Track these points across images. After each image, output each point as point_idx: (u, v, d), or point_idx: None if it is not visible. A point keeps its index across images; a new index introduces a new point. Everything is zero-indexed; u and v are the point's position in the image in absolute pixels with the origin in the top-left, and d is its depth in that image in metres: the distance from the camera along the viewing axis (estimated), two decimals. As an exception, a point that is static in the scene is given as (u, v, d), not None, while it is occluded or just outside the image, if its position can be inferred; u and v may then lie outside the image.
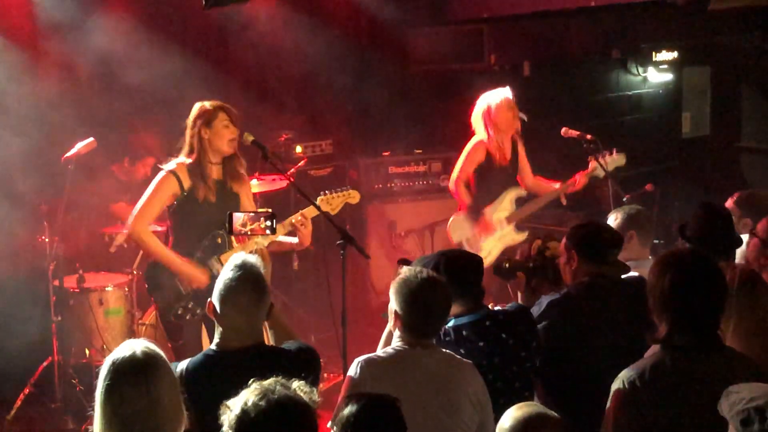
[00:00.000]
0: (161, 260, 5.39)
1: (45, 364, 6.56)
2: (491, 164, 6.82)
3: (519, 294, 4.80)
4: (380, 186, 8.33)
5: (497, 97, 6.78)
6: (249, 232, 4.92)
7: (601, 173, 6.73)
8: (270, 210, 5.00)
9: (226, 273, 3.70)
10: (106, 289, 6.70)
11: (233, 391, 2.82)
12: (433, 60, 8.70)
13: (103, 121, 7.08)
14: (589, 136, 6.75)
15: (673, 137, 9.79)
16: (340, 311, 4.97)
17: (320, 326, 7.34)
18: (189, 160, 5.40)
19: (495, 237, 6.86)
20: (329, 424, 3.48)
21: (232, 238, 5.40)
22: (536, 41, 8.93)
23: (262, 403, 2.71)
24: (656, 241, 5.42)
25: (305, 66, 8.40)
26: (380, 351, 3.86)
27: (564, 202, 7.01)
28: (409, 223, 8.33)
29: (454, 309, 4.08)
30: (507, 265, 4.82)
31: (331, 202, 5.52)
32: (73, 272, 6.60)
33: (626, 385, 3.35)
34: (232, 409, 2.75)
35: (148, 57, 7.20)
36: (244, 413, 2.71)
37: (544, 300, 4.45)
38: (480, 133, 6.85)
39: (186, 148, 5.43)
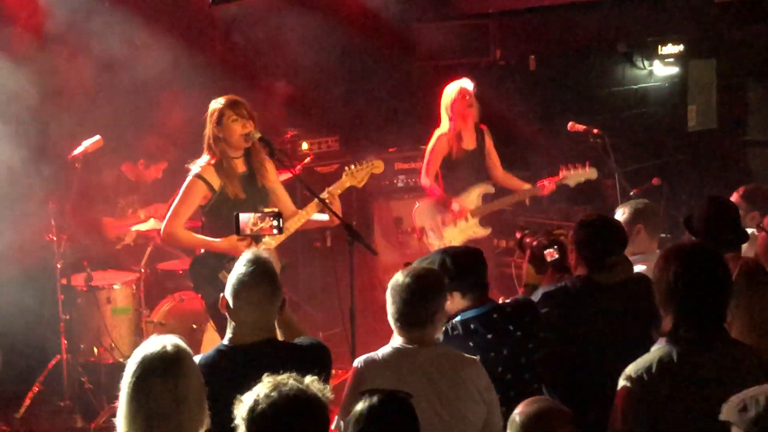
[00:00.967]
0: (200, 246, 5.58)
1: (53, 362, 6.58)
2: (454, 154, 6.98)
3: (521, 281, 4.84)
4: (387, 182, 8.32)
5: (455, 86, 6.97)
6: (257, 232, 4.94)
7: (571, 183, 6.94)
8: (276, 210, 5.03)
9: (239, 268, 3.71)
10: (114, 287, 6.71)
11: (246, 386, 2.82)
12: (438, 55, 8.70)
13: (111, 120, 7.08)
14: (595, 131, 6.76)
15: (679, 131, 9.76)
16: (347, 308, 4.97)
17: (328, 323, 7.35)
18: (213, 160, 5.48)
19: (458, 228, 7.02)
20: (335, 421, 3.49)
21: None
22: (542, 35, 8.91)
23: (274, 395, 2.72)
24: (663, 235, 5.41)
25: (310, 62, 8.39)
26: (379, 350, 3.87)
27: (527, 203, 7.20)
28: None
29: (461, 304, 4.11)
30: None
31: (356, 175, 5.66)
32: (80, 270, 6.61)
33: (634, 380, 3.34)
34: (244, 402, 2.76)
35: (153, 54, 7.20)
36: (256, 405, 2.72)
37: (541, 290, 4.50)
38: (443, 124, 7.02)
39: (205, 149, 5.52)
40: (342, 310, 5.21)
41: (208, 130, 5.50)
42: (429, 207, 7.15)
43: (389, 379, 3.66)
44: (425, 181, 7.08)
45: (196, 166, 5.51)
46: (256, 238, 5.36)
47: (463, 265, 4.15)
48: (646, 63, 9.37)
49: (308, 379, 2.81)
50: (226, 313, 3.72)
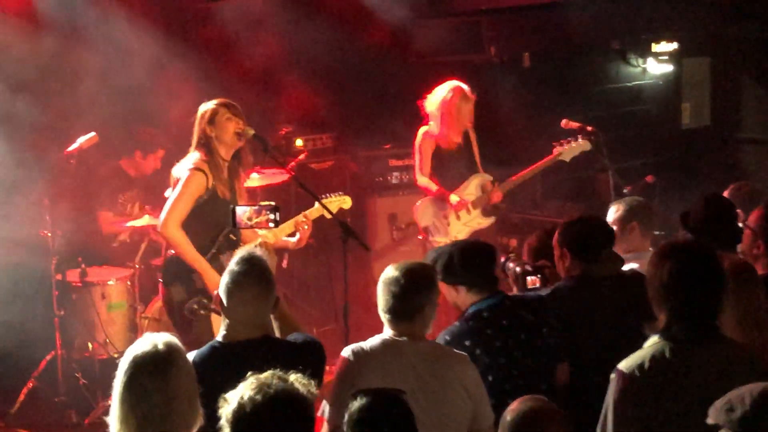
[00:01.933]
0: (188, 260, 5.31)
1: (48, 358, 6.59)
2: (443, 149, 6.97)
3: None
4: (381, 179, 8.34)
5: (447, 86, 6.94)
6: (253, 226, 4.94)
7: (567, 158, 6.90)
8: (273, 203, 5.01)
9: (232, 266, 3.72)
10: (109, 283, 6.71)
11: (240, 383, 2.83)
12: (432, 52, 8.69)
13: (107, 116, 7.08)
14: (589, 128, 6.77)
15: (673, 128, 9.77)
16: (341, 304, 4.98)
17: (321, 318, 7.36)
18: (206, 158, 5.39)
19: (462, 221, 6.96)
20: (321, 406, 3.50)
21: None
22: (536, 33, 8.90)
23: (258, 397, 2.72)
24: (657, 233, 5.42)
25: (305, 59, 8.40)
26: (369, 340, 3.89)
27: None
28: (410, 216, 8.32)
29: (468, 297, 4.19)
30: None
31: (329, 205, 5.60)
32: (75, 266, 6.61)
33: (625, 376, 3.35)
34: (229, 403, 2.76)
35: (150, 51, 7.20)
36: (241, 407, 2.72)
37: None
38: (431, 124, 6.99)
39: (195, 148, 5.43)
40: (336, 306, 5.22)
41: (199, 131, 5.40)
42: (429, 205, 7.07)
43: (375, 369, 3.70)
44: (421, 180, 7.03)
45: (189, 162, 5.40)
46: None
47: (469, 260, 4.22)
48: (640, 60, 9.38)
49: (293, 376, 2.80)
50: (220, 311, 3.73)
